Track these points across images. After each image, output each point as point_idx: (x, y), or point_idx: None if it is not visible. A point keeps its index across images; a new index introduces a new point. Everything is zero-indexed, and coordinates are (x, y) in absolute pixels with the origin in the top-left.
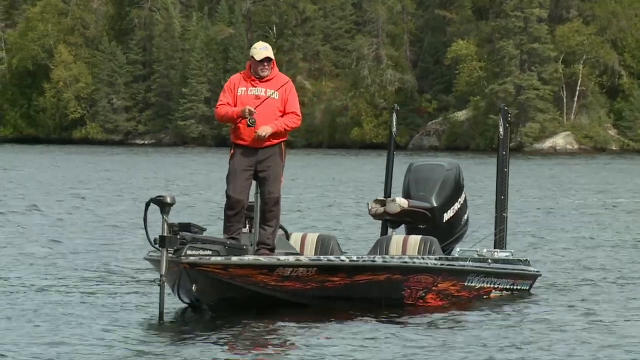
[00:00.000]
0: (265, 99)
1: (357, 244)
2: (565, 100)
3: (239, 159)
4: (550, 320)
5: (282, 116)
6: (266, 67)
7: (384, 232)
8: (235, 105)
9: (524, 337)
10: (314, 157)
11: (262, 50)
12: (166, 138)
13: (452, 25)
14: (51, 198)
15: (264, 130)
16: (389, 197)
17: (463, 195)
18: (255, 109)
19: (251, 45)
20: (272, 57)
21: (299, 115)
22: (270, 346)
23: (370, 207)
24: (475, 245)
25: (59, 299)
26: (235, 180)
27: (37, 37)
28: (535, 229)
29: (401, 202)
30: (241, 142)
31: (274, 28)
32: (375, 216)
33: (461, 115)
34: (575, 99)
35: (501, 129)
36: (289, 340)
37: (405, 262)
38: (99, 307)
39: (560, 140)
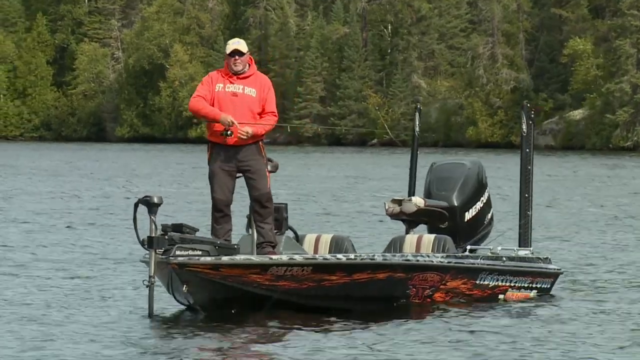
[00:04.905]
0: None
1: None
2: None
3: (218, 158)
4: (569, 319)
5: (259, 114)
6: (237, 61)
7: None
8: (212, 101)
9: (538, 336)
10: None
11: (233, 44)
12: (281, 137)
13: (568, 23)
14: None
15: (245, 130)
16: (413, 196)
17: (486, 194)
18: (230, 105)
19: (367, 44)
20: (244, 50)
21: (276, 116)
22: (265, 347)
23: (387, 207)
24: (489, 243)
25: (50, 297)
26: (218, 180)
27: (153, 36)
28: (576, 227)
29: (417, 201)
30: (219, 141)
31: (389, 27)
32: (392, 216)
33: (577, 114)
34: None
35: (524, 127)
36: (285, 341)
37: (407, 260)
38: (90, 307)
39: None
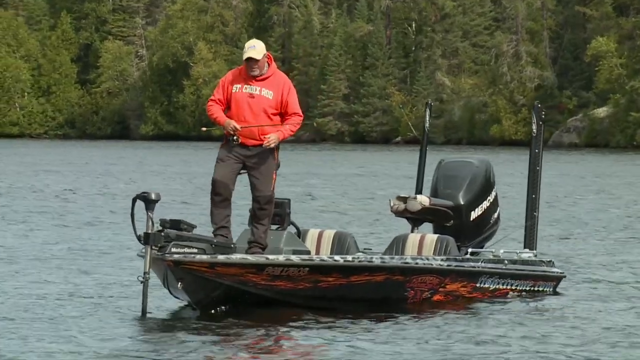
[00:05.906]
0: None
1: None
2: None
3: (228, 150)
4: (571, 323)
5: (275, 115)
6: (254, 67)
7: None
8: (229, 102)
9: (538, 340)
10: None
11: (249, 49)
12: (305, 135)
13: (592, 21)
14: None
15: (272, 139)
16: (420, 194)
17: (493, 193)
18: (247, 107)
19: (391, 42)
20: (258, 57)
21: (301, 116)
22: (257, 345)
23: (392, 204)
24: (493, 245)
25: (43, 292)
26: (221, 166)
27: (177, 34)
28: (585, 228)
29: (422, 199)
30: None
31: (413, 24)
32: (397, 214)
33: (601, 112)
34: None
35: (534, 127)
36: (279, 340)
37: (406, 263)
38: (85, 303)
39: None
